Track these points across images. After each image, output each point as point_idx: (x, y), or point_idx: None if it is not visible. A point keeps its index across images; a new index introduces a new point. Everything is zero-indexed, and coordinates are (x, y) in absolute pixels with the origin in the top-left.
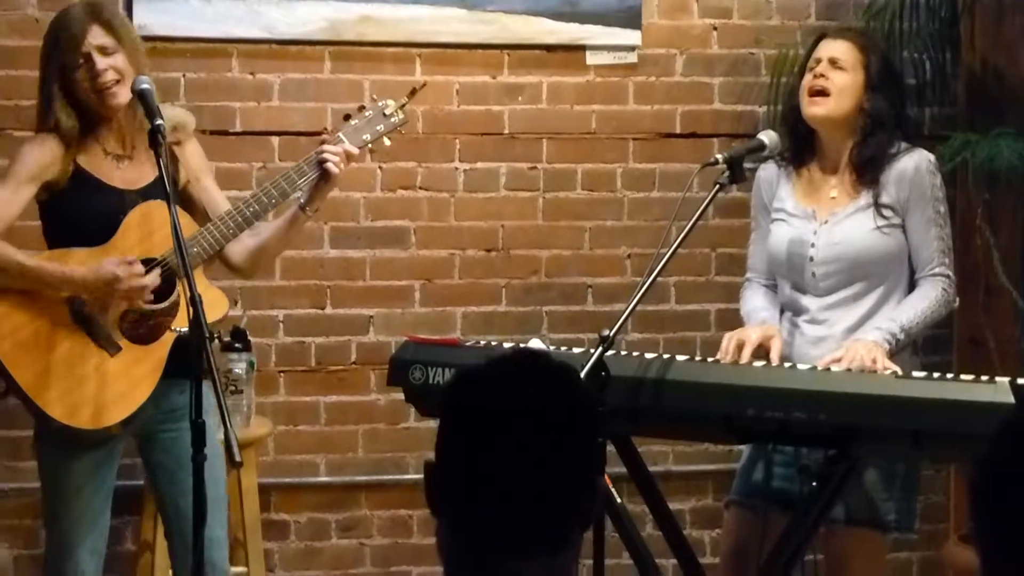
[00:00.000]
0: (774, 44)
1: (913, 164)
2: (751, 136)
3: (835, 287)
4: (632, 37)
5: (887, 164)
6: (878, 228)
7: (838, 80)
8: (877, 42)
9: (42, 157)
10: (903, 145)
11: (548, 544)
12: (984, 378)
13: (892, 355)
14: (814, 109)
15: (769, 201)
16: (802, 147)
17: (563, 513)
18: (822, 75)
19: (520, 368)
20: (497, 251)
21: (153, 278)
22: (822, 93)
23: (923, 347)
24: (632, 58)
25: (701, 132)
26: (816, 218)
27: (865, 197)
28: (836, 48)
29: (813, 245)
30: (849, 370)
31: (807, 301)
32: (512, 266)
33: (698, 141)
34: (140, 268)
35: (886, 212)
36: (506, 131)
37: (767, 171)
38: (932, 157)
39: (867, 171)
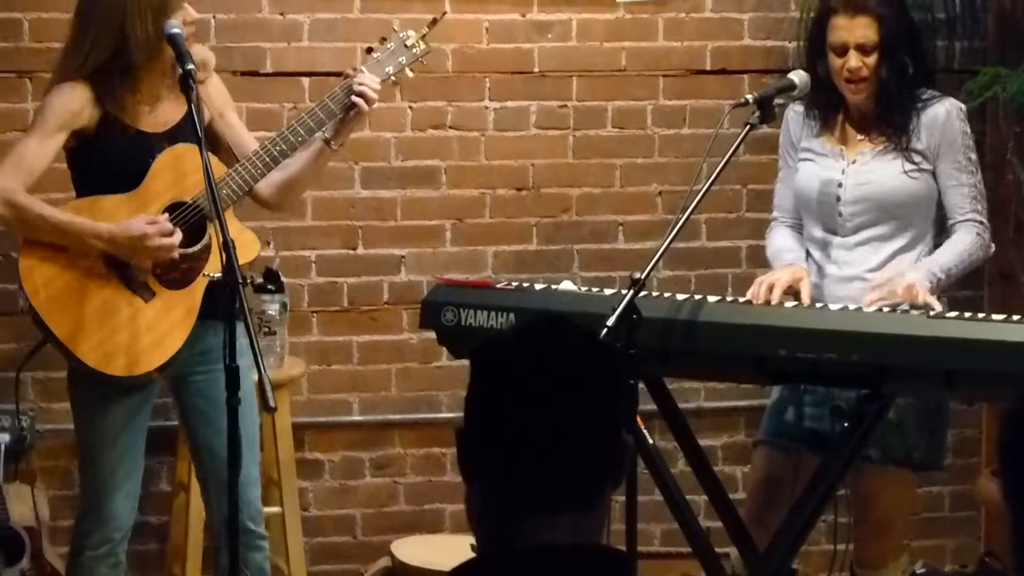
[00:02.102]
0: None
1: (944, 111)
2: (782, 72)
3: (862, 226)
4: None
5: (917, 111)
6: (906, 172)
7: (871, 63)
8: (892, 3)
9: (71, 104)
10: (932, 93)
11: (579, 502)
12: (1016, 317)
13: (935, 295)
14: (857, 98)
15: (797, 140)
16: (832, 100)
17: (593, 472)
18: (858, 69)
19: (547, 332)
20: (527, 190)
21: (179, 239)
22: (860, 82)
23: (955, 282)
24: None
25: (731, 68)
26: (844, 158)
27: (894, 141)
28: (858, 31)
29: (841, 185)
30: (880, 310)
31: (835, 240)
32: (543, 205)
33: (728, 77)
34: (168, 227)
35: (915, 157)
36: (536, 69)
37: (796, 110)
38: (962, 105)
39: (894, 123)
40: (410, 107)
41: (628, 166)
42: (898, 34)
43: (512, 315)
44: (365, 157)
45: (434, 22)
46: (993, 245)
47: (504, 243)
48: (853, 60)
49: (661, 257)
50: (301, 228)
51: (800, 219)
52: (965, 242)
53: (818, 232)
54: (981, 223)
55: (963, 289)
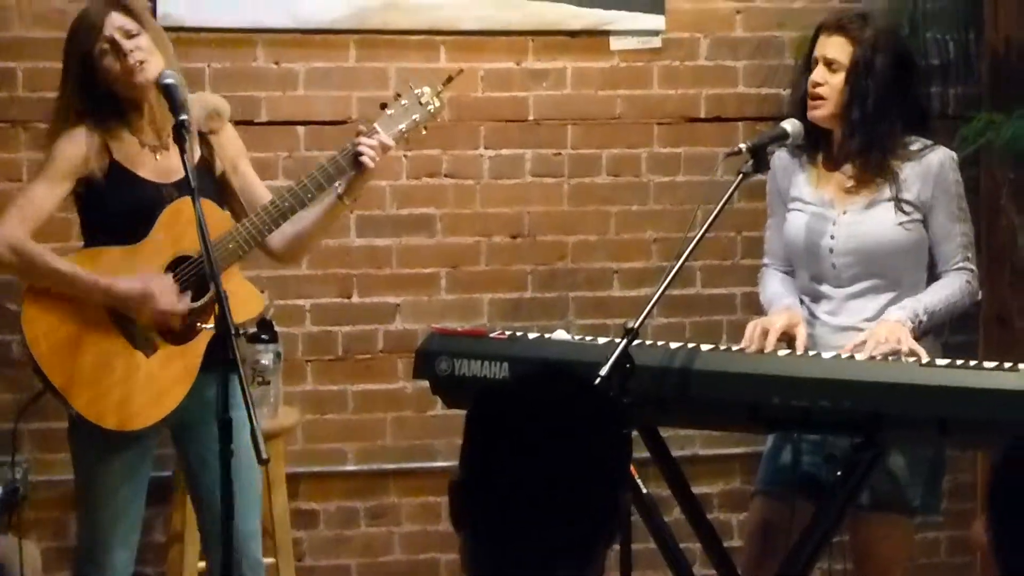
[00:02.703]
0: (798, 27)
1: (937, 161)
2: (776, 119)
3: (856, 278)
4: (656, 22)
5: (910, 159)
6: (900, 224)
7: (834, 82)
8: (874, 28)
9: (78, 151)
10: (924, 141)
11: (573, 561)
12: (1008, 365)
13: (917, 338)
14: (814, 113)
15: (785, 188)
16: (813, 140)
17: (588, 524)
18: (818, 83)
19: (542, 382)
20: (523, 237)
21: (184, 306)
22: (820, 97)
23: (950, 326)
24: (656, 42)
25: (726, 116)
26: (834, 207)
27: (885, 191)
28: (831, 47)
29: (833, 237)
30: (873, 358)
31: (827, 290)
32: (538, 252)
33: (723, 125)
34: (172, 297)
35: (908, 208)
36: (531, 117)
37: (782, 157)
38: (954, 154)
39: (880, 164)
40: (405, 156)
41: (623, 213)
42: (872, 64)
43: (506, 364)
44: (360, 205)
45: (449, 79)
46: (980, 293)
47: (499, 291)
48: (816, 72)
49: (656, 304)
50: (296, 277)
51: (791, 265)
52: (953, 287)
53: (810, 282)
54: (971, 271)
55: (957, 334)
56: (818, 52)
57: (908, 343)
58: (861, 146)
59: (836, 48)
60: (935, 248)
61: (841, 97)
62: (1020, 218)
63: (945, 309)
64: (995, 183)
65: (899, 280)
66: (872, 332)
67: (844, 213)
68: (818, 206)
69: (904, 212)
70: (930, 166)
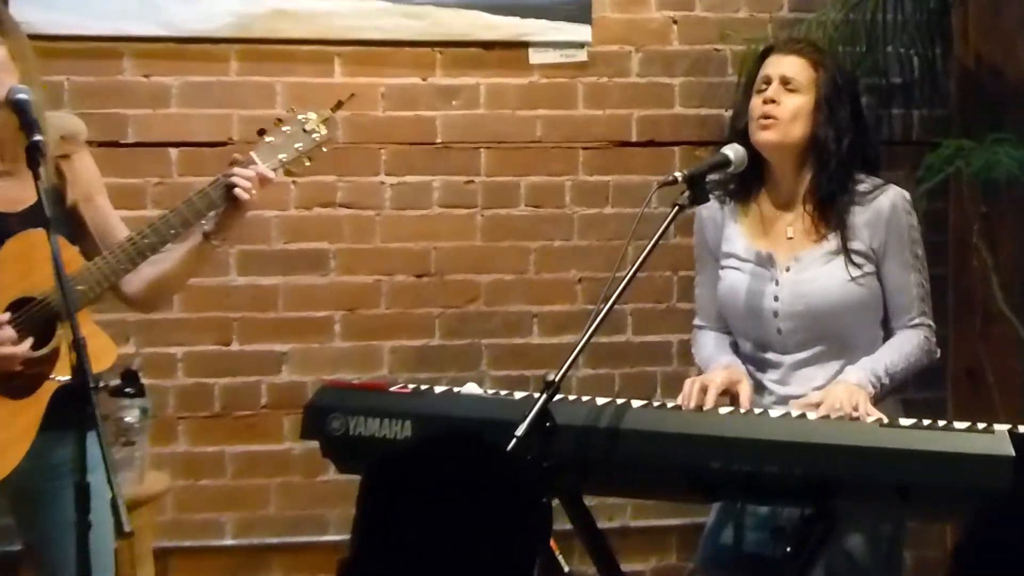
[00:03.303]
0: (742, 39)
1: (888, 204)
2: (717, 144)
3: (805, 343)
4: (581, 32)
5: (857, 203)
6: (853, 280)
7: (790, 103)
8: (834, 58)
9: None
10: (874, 181)
11: None
12: (980, 426)
13: (876, 401)
14: (764, 135)
15: (715, 244)
16: (750, 178)
17: None
18: (772, 100)
19: (447, 445)
20: (429, 276)
21: (24, 349)
22: (773, 117)
23: (913, 381)
24: (581, 56)
25: (660, 140)
26: (775, 264)
27: (832, 241)
28: (787, 65)
29: (777, 298)
30: (827, 417)
31: (773, 357)
32: (447, 293)
33: (657, 150)
34: (9, 334)
35: (859, 260)
36: (439, 140)
37: (709, 208)
38: (906, 193)
39: (830, 209)
40: (294, 183)
41: (544, 250)
42: (837, 90)
43: (409, 423)
44: (243, 239)
45: (339, 104)
46: (939, 351)
47: (402, 337)
48: (771, 89)
49: (580, 354)
50: (166, 321)
51: (727, 327)
52: (912, 343)
53: (752, 349)
54: (928, 327)
55: (922, 390)
56: (770, 70)
57: (866, 409)
58: (829, 189)
59: (793, 67)
60: (888, 300)
61: (800, 123)
62: (994, 258)
63: (904, 370)
64: (965, 218)
65: (853, 342)
66: (827, 392)
67: (787, 270)
68: (756, 263)
69: (855, 265)
70: (881, 210)
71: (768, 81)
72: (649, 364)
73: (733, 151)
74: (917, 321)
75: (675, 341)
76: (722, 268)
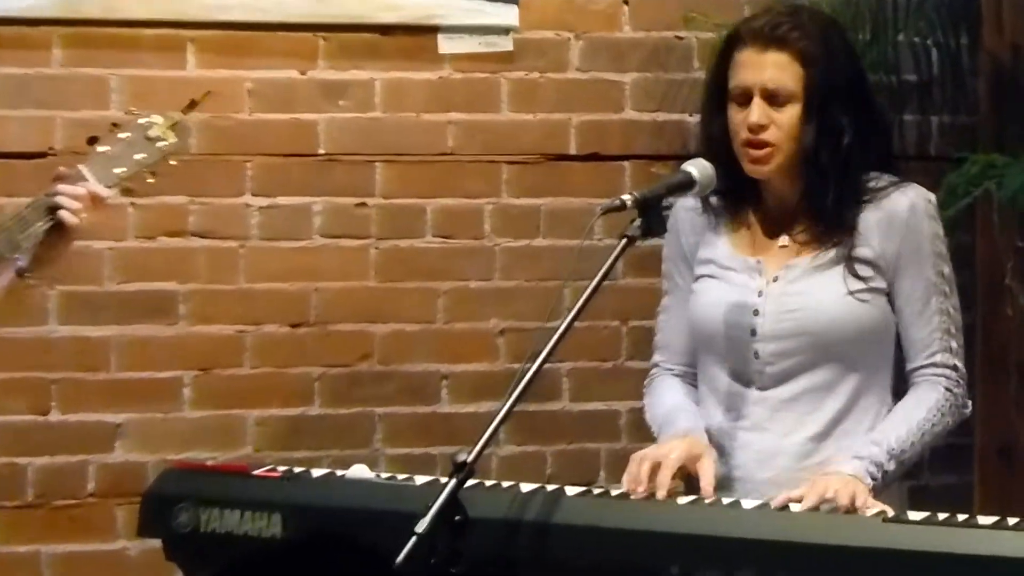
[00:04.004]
0: (711, 25)
1: (907, 204)
2: (679, 159)
3: (791, 373)
4: (506, 15)
5: (868, 202)
6: (853, 293)
7: (784, 121)
8: (817, 23)
9: None
10: (890, 178)
11: None
12: (1012, 521)
13: (877, 493)
14: (757, 169)
15: (692, 249)
16: (736, 193)
17: None
18: (761, 125)
19: (333, 548)
20: (308, 326)
21: None
22: (763, 146)
23: (929, 463)
24: (506, 44)
25: (606, 152)
26: (762, 273)
27: (834, 249)
28: (768, 69)
29: (758, 313)
30: (816, 510)
31: (750, 394)
32: (330, 349)
33: (602, 166)
34: None
35: (864, 271)
36: (321, 151)
37: (687, 207)
38: (931, 195)
39: (833, 213)
40: (133, 204)
41: (457, 293)
42: (832, 81)
43: (278, 517)
44: (67, 277)
45: (192, 104)
46: (970, 405)
47: (272, 405)
48: (755, 112)
49: (502, 426)
50: None
51: (695, 365)
52: (928, 405)
53: (725, 382)
54: (955, 369)
55: (943, 473)
56: (748, 78)
57: (866, 500)
58: (819, 201)
59: (776, 70)
60: (903, 332)
61: (797, 141)
62: None
63: (919, 443)
64: (996, 254)
65: (852, 377)
66: (816, 482)
67: (775, 280)
68: (739, 271)
69: (858, 277)
70: (896, 211)
71: (747, 94)
72: (590, 439)
73: (698, 168)
74: (939, 360)
75: (623, 410)
76: (699, 278)
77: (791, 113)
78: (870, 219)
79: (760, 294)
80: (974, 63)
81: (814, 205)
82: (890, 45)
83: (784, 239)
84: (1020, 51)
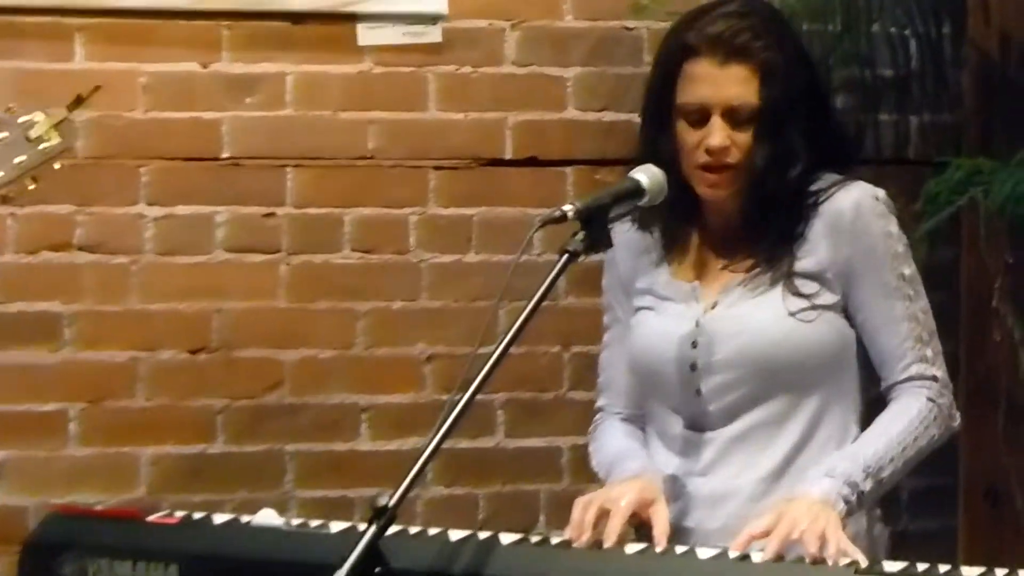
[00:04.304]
0: (664, 14)
1: (850, 205)
2: (627, 163)
3: (737, 410)
4: (434, 1)
5: (809, 208)
6: (795, 314)
7: (744, 141)
8: (780, 35)
9: None
10: (832, 177)
11: None
12: (1001, 572)
13: (847, 516)
14: (716, 194)
15: (629, 276)
16: (679, 206)
17: None
18: (719, 149)
19: None
20: (209, 352)
21: None
22: (724, 169)
23: (909, 505)
24: (434, 35)
25: (546, 156)
26: (699, 299)
27: (775, 265)
28: (730, 87)
29: (696, 344)
30: (781, 560)
31: (696, 437)
32: (235, 377)
33: (541, 171)
34: None
35: (807, 286)
36: (225, 154)
37: (624, 230)
38: (879, 191)
39: (775, 224)
40: (13, 215)
41: (378, 314)
42: (790, 93)
43: (176, 568)
44: None
45: (78, 100)
46: (958, 416)
47: (168, 441)
48: (717, 135)
49: (428, 465)
50: None
51: (643, 406)
52: (909, 416)
53: (671, 424)
54: (934, 379)
55: (924, 517)
56: (707, 95)
57: (837, 540)
58: (764, 223)
59: (739, 86)
60: (870, 348)
61: (750, 164)
62: (1021, 326)
63: (901, 460)
64: (982, 270)
65: (807, 406)
66: (781, 512)
67: (713, 307)
68: (677, 300)
69: (800, 294)
70: (840, 213)
71: (704, 112)
72: (528, 480)
73: (647, 176)
74: (915, 372)
75: (565, 447)
76: (638, 310)
77: (751, 130)
78: (813, 226)
79: (698, 324)
80: (958, 55)
81: (759, 225)
82: (864, 36)
83: (726, 261)
84: (1010, 41)
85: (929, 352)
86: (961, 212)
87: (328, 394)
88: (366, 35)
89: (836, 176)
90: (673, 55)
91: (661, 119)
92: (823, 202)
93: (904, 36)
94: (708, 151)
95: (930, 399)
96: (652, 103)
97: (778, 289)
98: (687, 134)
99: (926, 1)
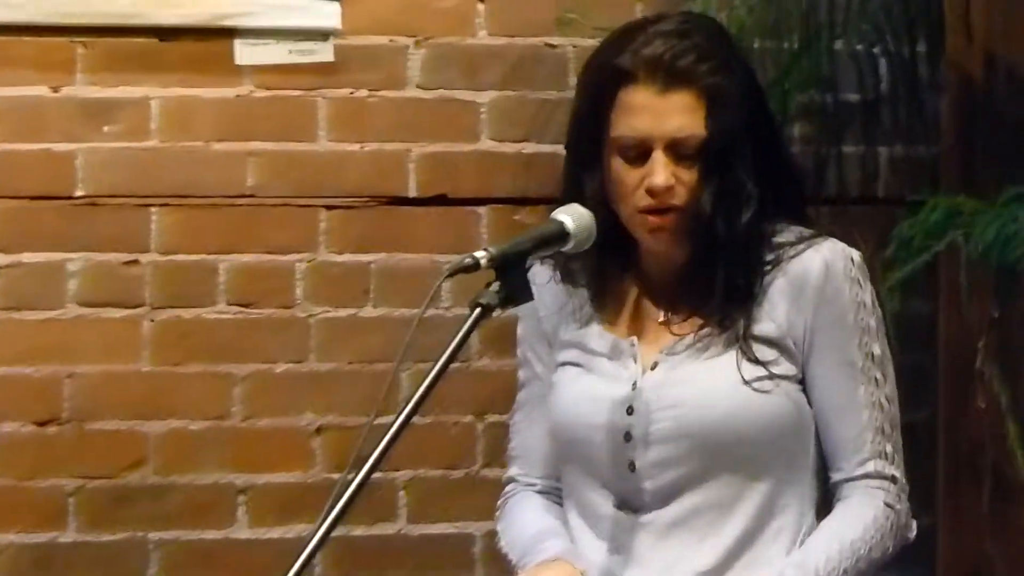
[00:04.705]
0: (592, 29)
1: (820, 266)
2: (551, 203)
3: (677, 490)
4: (324, 15)
5: (771, 263)
6: (751, 382)
7: (690, 179)
8: (725, 57)
9: None
10: (801, 231)
11: None
12: None
13: None
14: (657, 243)
15: (552, 327)
16: (610, 250)
17: None
18: (664, 189)
19: None
20: (59, 424)
21: None
22: (668, 211)
23: None
24: (325, 54)
25: (457, 194)
26: (637, 359)
27: (728, 324)
28: (675, 118)
29: (632, 411)
30: None
31: (627, 520)
32: (91, 454)
33: (451, 211)
34: None
35: (766, 353)
36: (79, 192)
37: (542, 275)
38: (855, 254)
39: (727, 289)
40: None
41: (259, 379)
42: (735, 121)
43: None
44: None
45: None
46: (914, 525)
47: (11, 529)
48: (661, 173)
49: (316, 555)
50: None
51: (559, 479)
52: (864, 521)
53: (596, 502)
54: (893, 481)
55: None
56: (647, 128)
57: None
58: (729, 266)
59: (684, 116)
60: (824, 432)
61: (694, 204)
62: (1011, 392)
63: (855, 572)
64: (964, 327)
65: (759, 488)
66: None
67: (653, 368)
68: (610, 357)
69: (757, 361)
70: (807, 274)
71: (643, 146)
72: (435, 570)
73: (573, 217)
74: (872, 470)
75: (478, 533)
76: (560, 366)
77: (697, 166)
78: (774, 285)
79: (635, 386)
80: (935, 77)
81: (707, 275)
82: (826, 55)
83: (668, 315)
84: (994, 61)
85: (889, 448)
86: (939, 259)
87: (199, 473)
88: (245, 53)
89: (803, 229)
90: (605, 81)
91: (590, 153)
92: (789, 259)
93: (872, 55)
94: (651, 192)
95: (887, 504)
96: (580, 135)
97: (732, 353)
98: (625, 173)
99: (898, 15)
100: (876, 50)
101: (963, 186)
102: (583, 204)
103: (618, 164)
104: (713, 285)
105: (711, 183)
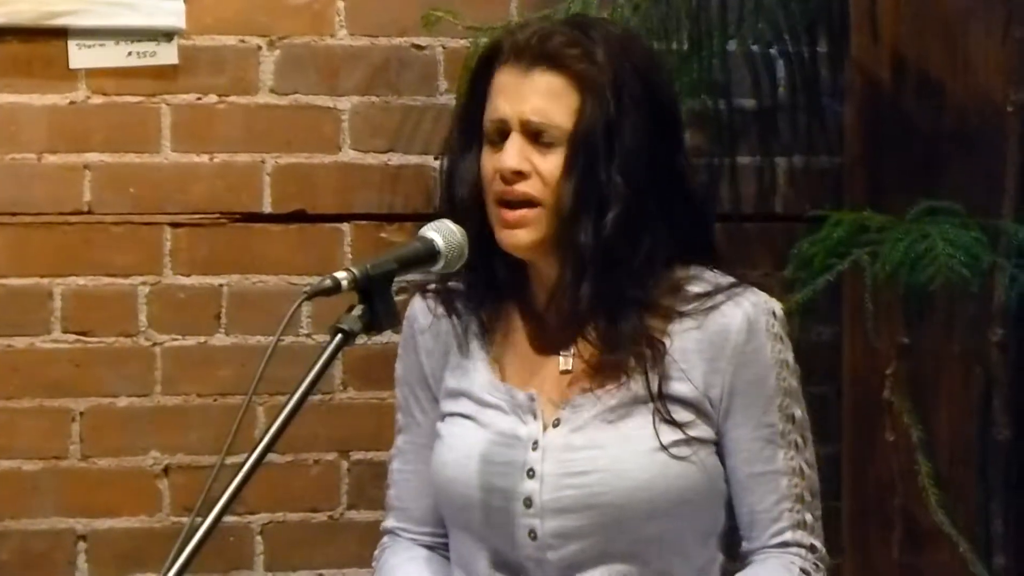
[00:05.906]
0: (462, 29)
1: (740, 322)
2: (421, 218)
3: (580, 562)
4: (168, 12)
5: (687, 315)
6: (667, 448)
7: (548, 170)
8: (619, 54)
9: None
10: (718, 279)
11: None
12: None
13: None
14: (510, 239)
15: (435, 369)
16: (495, 275)
17: None
18: (517, 173)
19: None
20: None
21: None
22: (522, 204)
23: None
24: (169, 55)
25: (316, 210)
26: (536, 414)
27: (638, 379)
28: (532, 98)
29: (533, 474)
30: None
31: None
32: None
33: (309, 230)
34: None
35: (682, 414)
36: None
37: (423, 315)
38: (776, 306)
39: (631, 326)
40: None
41: (98, 414)
42: (615, 123)
43: None
44: None
45: None
46: None
47: None
48: (511, 154)
49: None
50: None
51: (442, 535)
52: None
53: (486, 572)
54: (812, 550)
55: None
56: (505, 107)
57: None
58: (596, 296)
59: (544, 98)
60: (737, 499)
61: (560, 201)
62: (924, 427)
63: None
64: (869, 355)
65: (669, 562)
66: None
67: (555, 425)
68: (506, 409)
69: (674, 423)
70: (726, 331)
71: (502, 129)
72: None
73: (442, 234)
74: (789, 539)
75: None
76: (446, 416)
77: (560, 159)
78: (691, 342)
79: (536, 446)
80: (838, 81)
81: (577, 290)
82: (718, 57)
83: (565, 359)
84: (903, 62)
85: (809, 517)
86: (843, 280)
87: (34, 518)
88: (80, 55)
89: (719, 276)
90: (483, 64)
91: (467, 145)
92: (706, 312)
93: (769, 57)
94: (502, 176)
95: (803, 571)
96: (458, 126)
97: (645, 412)
98: (487, 159)
99: (797, 12)
100: (773, 51)
101: (869, 200)
102: (458, 215)
103: (486, 152)
104: (615, 336)
105: (572, 178)
